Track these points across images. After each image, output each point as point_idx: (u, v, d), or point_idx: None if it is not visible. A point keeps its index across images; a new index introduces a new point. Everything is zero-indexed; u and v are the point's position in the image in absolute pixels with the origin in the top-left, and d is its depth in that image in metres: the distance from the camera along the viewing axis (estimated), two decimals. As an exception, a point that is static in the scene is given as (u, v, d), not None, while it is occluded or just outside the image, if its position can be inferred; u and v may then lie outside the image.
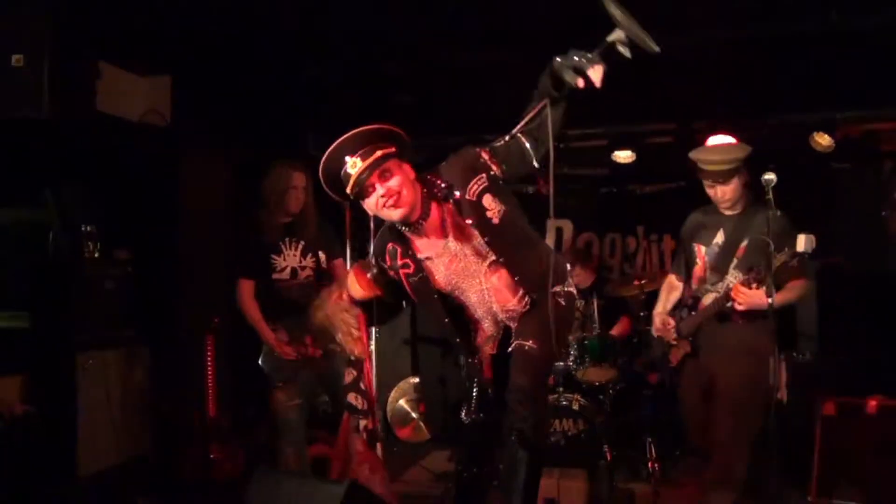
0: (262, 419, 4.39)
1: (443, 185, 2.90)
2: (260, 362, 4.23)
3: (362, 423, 3.97)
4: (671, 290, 4.08)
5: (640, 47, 2.80)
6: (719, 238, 3.74)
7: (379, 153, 2.82)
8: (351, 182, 2.83)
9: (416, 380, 6.03)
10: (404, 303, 3.40)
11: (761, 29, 4.47)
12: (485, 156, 2.91)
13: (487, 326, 3.13)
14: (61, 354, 4.24)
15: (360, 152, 2.81)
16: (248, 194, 5.58)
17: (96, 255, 4.52)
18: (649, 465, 4.65)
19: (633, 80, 5.13)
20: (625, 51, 2.78)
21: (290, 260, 4.19)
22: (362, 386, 3.92)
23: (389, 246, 3.05)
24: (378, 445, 4.04)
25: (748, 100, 5.22)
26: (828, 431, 4.29)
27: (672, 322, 3.86)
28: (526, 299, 3.02)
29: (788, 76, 4.91)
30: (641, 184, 6.25)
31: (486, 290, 3.02)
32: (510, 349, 3.04)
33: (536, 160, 2.88)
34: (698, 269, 3.79)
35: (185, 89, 5.10)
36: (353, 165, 2.81)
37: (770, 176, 3.33)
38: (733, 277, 3.64)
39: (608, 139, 5.76)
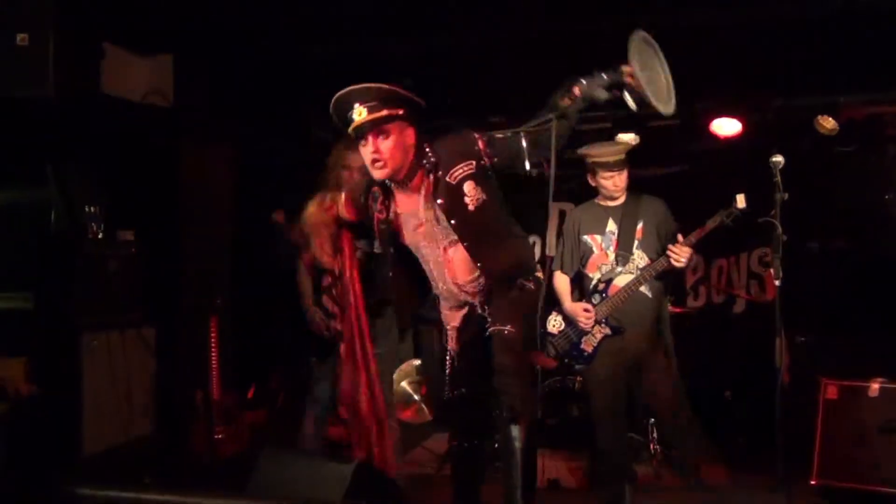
0: (283, 390, 4.42)
1: (432, 159, 3.06)
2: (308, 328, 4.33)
3: (333, 325, 4.05)
4: (564, 284, 4.20)
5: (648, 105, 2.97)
6: (611, 226, 3.96)
7: (384, 112, 2.96)
8: (351, 126, 3.00)
9: (418, 362, 6.05)
10: None
11: (766, 11, 4.45)
12: (480, 144, 3.07)
13: (443, 295, 3.25)
14: (65, 335, 4.24)
15: (368, 104, 2.95)
16: (250, 174, 5.60)
17: (100, 235, 4.51)
18: (651, 446, 4.68)
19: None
20: (630, 102, 2.90)
21: None
22: (334, 292, 3.94)
23: (374, 189, 3.20)
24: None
25: (752, 82, 5.21)
26: (830, 414, 4.31)
27: (592, 309, 3.91)
28: (480, 280, 3.13)
29: (793, 59, 4.90)
30: (645, 167, 6.24)
31: (442, 261, 3.14)
32: (488, 333, 3.14)
33: (529, 163, 3.03)
34: (596, 258, 3.97)
35: (187, 70, 5.08)
36: (359, 114, 2.96)
37: (778, 158, 3.37)
38: (639, 257, 3.91)
39: (611, 122, 5.74)
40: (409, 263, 3.27)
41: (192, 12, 4.47)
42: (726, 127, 5.31)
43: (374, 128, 2.97)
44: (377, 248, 3.36)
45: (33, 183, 4.52)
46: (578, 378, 4.86)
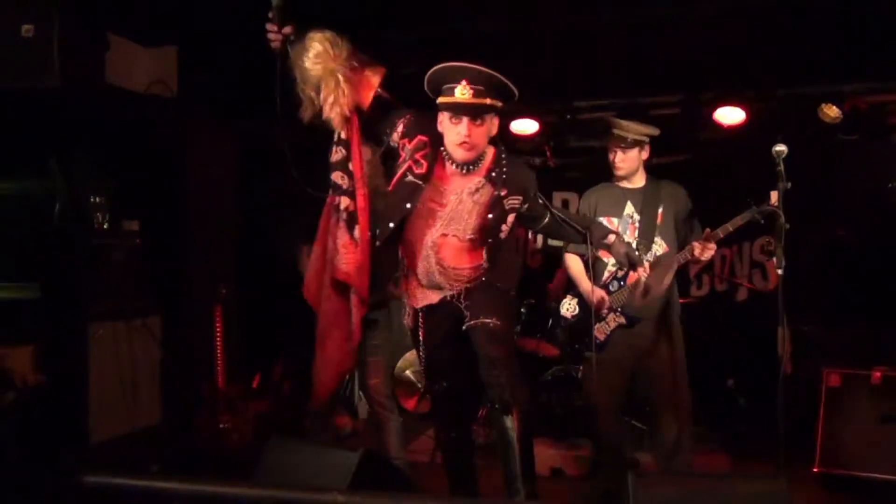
0: (288, 379, 4.43)
1: (503, 166, 3.11)
2: None
3: (344, 202, 3.74)
4: (577, 265, 4.10)
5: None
6: (629, 210, 3.89)
7: (488, 101, 2.96)
8: (450, 100, 2.96)
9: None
10: None
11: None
12: (532, 192, 3.20)
13: (419, 273, 3.20)
14: (72, 325, 4.27)
15: (476, 87, 2.92)
16: (254, 164, 5.61)
17: (105, 226, 4.54)
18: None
19: (640, 52, 5.14)
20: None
21: None
22: (350, 167, 3.67)
23: (424, 138, 3.09)
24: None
25: (756, 71, 5.20)
26: (832, 403, 4.33)
27: (606, 295, 3.88)
28: (481, 270, 3.16)
29: (796, 47, 4.89)
30: (648, 156, 6.23)
31: (438, 242, 3.12)
32: (466, 326, 3.13)
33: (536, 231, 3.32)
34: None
35: (190, 60, 5.09)
36: (462, 92, 2.93)
37: (781, 147, 3.36)
38: (659, 246, 3.85)
39: (614, 110, 5.73)
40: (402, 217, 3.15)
41: (196, 3, 4.48)
42: (730, 116, 5.29)
43: (474, 112, 2.95)
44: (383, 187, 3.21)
45: (38, 174, 4.53)
46: (581, 367, 4.87)
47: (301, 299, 4.41)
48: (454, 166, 3.11)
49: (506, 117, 3.31)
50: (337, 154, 3.35)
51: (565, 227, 3.32)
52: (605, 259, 3.89)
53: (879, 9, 4.39)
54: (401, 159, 3.13)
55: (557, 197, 6.17)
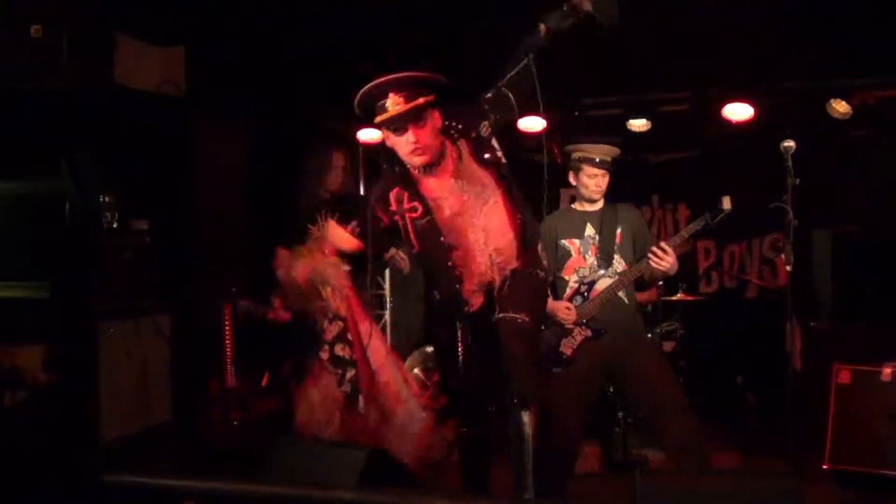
0: (297, 377, 4.44)
1: (459, 125, 3.04)
2: None
3: (349, 373, 4.00)
4: None
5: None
6: (589, 231, 3.95)
7: (421, 100, 2.93)
8: (385, 116, 2.93)
9: (431, 349, 6.07)
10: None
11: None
12: (485, 105, 3.07)
13: (473, 273, 3.15)
14: (82, 323, 4.28)
15: (404, 93, 2.90)
16: (262, 163, 5.62)
17: (114, 225, 4.55)
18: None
19: (647, 48, 5.13)
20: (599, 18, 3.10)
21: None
22: (349, 337, 3.94)
23: (395, 191, 3.12)
24: (360, 398, 4.06)
25: (764, 67, 5.18)
26: (842, 399, 4.32)
27: (573, 307, 3.91)
28: (514, 244, 3.12)
29: (805, 42, 4.87)
30: (656, 152, 6.23)
31: (481, 229, 3.10)
32: (495, 318, 3.10)
33: (518, 108, 3.10)
34: (573, 261, 3.96)
35: (199, 59, 5.10)
36: (395, 104, 2.90)
37: (789, 143, 3.36)
38: (618, 262, 3.91)
39: (623, 108, 5.73)
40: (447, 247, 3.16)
41: (204, 2, 4.49)
42: (738, 112, 5.28)
43: (413, 117, 2.93)
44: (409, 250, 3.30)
45: (48, 174, 4.55)
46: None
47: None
48: (424, 172, 3.08)
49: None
50: (335, 328, 3.82)
51: (516, 82, 3.11)
52: (566, 277, 3.95)
53: (888, 3, 4.37)
54: (401, 221, 3.15)
55: (565, 194, 6.16)
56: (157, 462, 4.31)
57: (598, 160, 3.91)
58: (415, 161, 3.02)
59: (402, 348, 6.04)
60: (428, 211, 3.09)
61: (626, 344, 3.87)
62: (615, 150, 3.98)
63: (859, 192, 5.58)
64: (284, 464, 2.99)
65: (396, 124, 2.94)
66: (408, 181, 3.11)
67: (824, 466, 4.24)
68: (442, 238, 3.11)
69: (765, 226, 5.84)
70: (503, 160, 3.11)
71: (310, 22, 4.86)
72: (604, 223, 3.95)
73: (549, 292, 3.88)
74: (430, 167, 3.06)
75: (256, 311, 4.27)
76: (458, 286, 3.15)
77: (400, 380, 4.19)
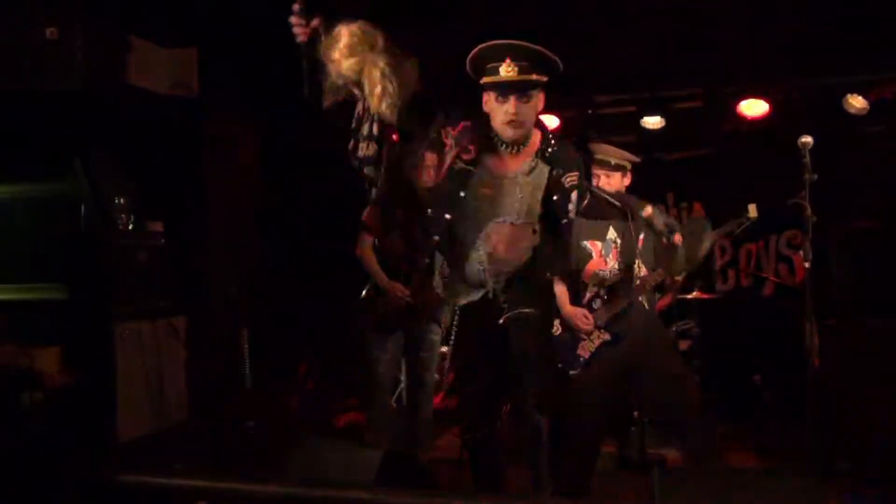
0: (313, 377, 4.44)
1: (552, 145, 3.07)
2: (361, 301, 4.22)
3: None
4: (562, 288, 4.04)
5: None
6: (612, 234, 3.93)
7: (534, 76, 2.93)
8: (492, 79, 2.94)
9: (445, 349, 6.06)
10: None
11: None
12: (583, 169, 3.19)
13: (468, 269, 3.14)
14: (98, 325, 4.30)
15: (520, 63, 2.90)
16: (275, 163, 5.63)
17: (129, 227, 4.57)
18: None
19: (661, 45, 5.10)
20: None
21: None
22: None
23: (468, 123, 3.07)
24: None
25: (780, 62, 5.14)
26: (861, 398, 4.27)
27: (591, 315, 3.89)
28: (528, 257, 3.11)
29: (821, 37, 4.83)
30: (671, 150, 6.19)
31: (496, 229, 3.07)
32: (504, 318, 3.08)
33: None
34: (594, 264, 3.94)
35: (211, 61, 5.12)
36: (507, 70, 2.91)
37: (806, 139, 3.33)
38: (639, 267, 3.91)
39: (636, 105, 5.70)
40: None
41: (216, 4, 4.50)
42: (753, 108, 5.25)
43: (520, 88, 2.93)
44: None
45: (63, 176, 4.57)
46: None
47: (326, 297, 4.44)
48: (504, 147, 3.06)
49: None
50: (369, 149, 3.23)
51: (605, 204, 3.26)
52: (586, 280, 3.93)
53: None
54: (447, 147, 3.10)
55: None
56: (172, 462, 4.32)
57: (605, 161, 3.92)
58: (507, 132, 3.00)
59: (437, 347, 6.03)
60: (476, 162, 3.05)
61: (644, 348, 3.85)
62: (631, 156, 3.98)
63: (877, 188, 5.53)
64: (300, 464, 2.99)
65: (503, 90, 2.93)
66: (483, 131, 3.06)
67: (844, 466, 4.20)
68: (462, 194, 3.06)
69: (781, 223, 5.79)
70: (571, 215, 3.14)
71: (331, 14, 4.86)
72: (626, 227, 3.92)
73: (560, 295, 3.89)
74: (514, 146, 3.05)
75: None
76: (483, 261, 3.10)
77: None
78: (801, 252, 3.44)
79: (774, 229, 5.90)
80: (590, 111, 5.61)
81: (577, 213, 3.19)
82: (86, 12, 3.54)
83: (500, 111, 2.98)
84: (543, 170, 3.08)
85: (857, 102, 5.11)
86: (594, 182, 3.97)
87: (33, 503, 2.68)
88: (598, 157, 3.96)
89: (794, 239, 5.72)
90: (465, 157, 3.05)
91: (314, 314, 4.95)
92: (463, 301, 3.23)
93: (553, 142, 3.11)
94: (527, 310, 3.06)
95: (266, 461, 4.27)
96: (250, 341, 4.70)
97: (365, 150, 3.01)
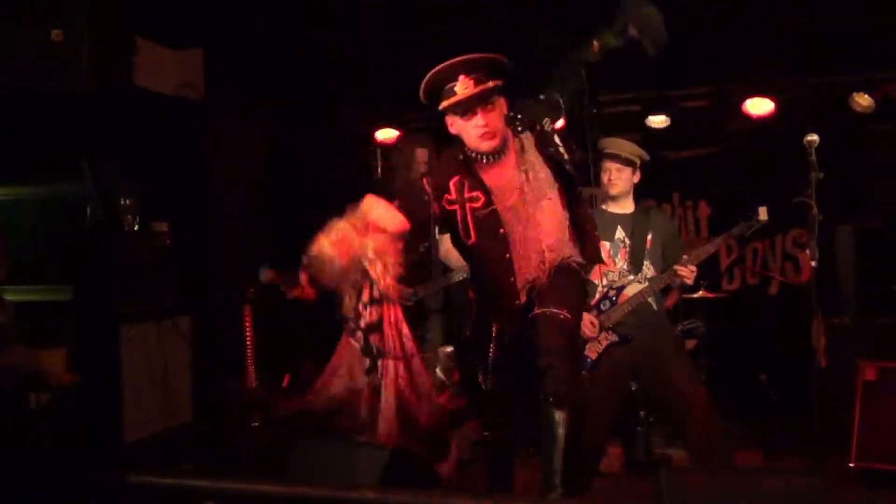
0: (318, 376, 4.43)
1: (524, 118, 2.95)
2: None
3: (380, 363, 3.87)
4: None
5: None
6: (620, 234, 3.93)
7: (491, 84, 2.92)
8: (454, 100, 2.92)
9: (451, 348, 6.05)
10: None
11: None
12: (533, 108, 3.02)
13: (531, 265, 3.09)
14: (104, 326, 4.32)
15: (475, 76, 2.90)
16: (281, 164, 5.64)
17: (135, 228, 4.59)
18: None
19: (666, 44, 5.08)
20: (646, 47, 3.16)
21: None
22: (385, 326, 3.79)
23: (456, 179, 3.05)
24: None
25: (785, 60, 5.13)
26: (868, 396, 4.25)
27: (596, 319, 3.87)
28: (566, 238, 3.08)
29: (826, 36, 4.82)
30: (676, 149, 6.17)
31: (532, 223, 3.05)
32: (532, 315, 3.03)
33: (566, 113, 3.12)
34: (602, 265, 3.88)
35: (218, 62, 5.13)
36: (465, 87, 2.90)
37: (813, 137, 3.33)
38: (647, 268, 3.90)
39: (641, 104, 5.68)
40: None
41: (222, 5, 4.51)
42: (759, 107, 5.23)
43: (482, 101, 2.92)
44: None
45: (69, 178, 4.60)
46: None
47: (332, 297, 4.43)
48: (487, 160, 3.04)
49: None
50: (373, 314, 3.64)
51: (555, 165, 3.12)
52: (594, 280, 3.92)
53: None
54: (459, 211, 3.07)
55: (586, 193, 6.13)
56: (179, 462, 4.33)
57: (613, 154, 3.90)
58: (483, 146, 2.99)
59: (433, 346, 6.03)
60: (490, 201, 3.03)
61: (652, 348, 3.85)
62: (640, 153, 3.95)
63: (883, 187, 5.51)
64: (306, 464, 2.99)
65: (466, 107, 2.92)
66: (470, 169, 3.05)
67: (850, 465, 4.18)
68: (501, 230, 3.05)
69: (787, 221, 5.77)
70: (566, 156, 3.07)
71: (329, 24, 4.87)
72: (635, 227, 3.92)
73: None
74: (496, 155, 3.03)
75: (282, 284, 4.09)
76: (512, 279, 3.08)
77: (428, 373, 4.16)
78: (808, 251, 3.42)
79: (780, 228, 5.89)
80: (594, 111, 5.59)
81: (575, 164, 3.12)
82: (91, 14, 3.54)
83: (469, 128, 2.97)
84: (536, 156, 3.05)
85: (863, 101, 5.09)
86: (604, 178, 3.93)
87: None
88: (610, 150, 3.93)
89: (801, 238, 5.70)
90: (477, 205, 3.04)
91: (320, 313, 4.93)
92: (517, 302, 3.15)
93: (519, 125, 2.96)
94: (557, 310, 2.98)
95: (272, 461, 4.28)
96: (255, 341, 4.70)
97: (367, 317, 3.39)
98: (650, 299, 3.89)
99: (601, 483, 4.41)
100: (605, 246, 3.91)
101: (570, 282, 3.08)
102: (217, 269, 5.11)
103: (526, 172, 3.04)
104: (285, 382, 5.22)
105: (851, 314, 5.06)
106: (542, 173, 3.05)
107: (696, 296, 5.25)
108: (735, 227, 3.87)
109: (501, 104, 2.99)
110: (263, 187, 5.55)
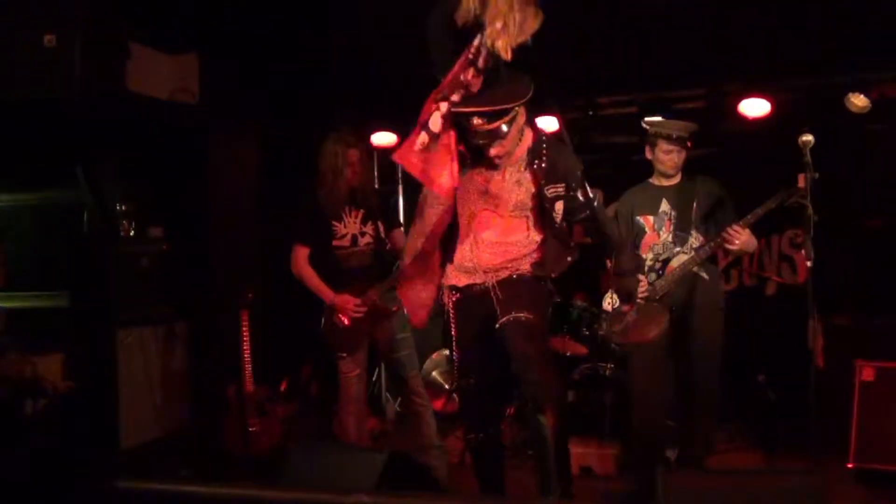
0: (315, 382, 4.43)
1: (542, 154, 3.10)
2: (322, 329, 4.21)
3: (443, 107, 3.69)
4: None
5: None
6: (665, 206, 3.95)
7: (506, 119, 2.95)
8: (473, 132, 2.97)
9: (446, 352, 6.05)
10: None
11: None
12: (573, 183, 3.16)
13: (462, 251, 3.19)
14: (101, 332, 4.32)
15: (486, 117, 2.93)
16: (277, 168, 5.63)
17: (131, 233, 4.59)
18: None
19: (662, 45, 5.09)
20: None
21: (351, 227, 4.16)
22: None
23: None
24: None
25: (781, 61, 5.13)
26: (866, 396, 4.26)
27: (645, 281, 3.91)
28: (519, 251, 3.14)
29: (822, 36, 4.81)
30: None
31: (486, 219, 3.13)
32: (500, 323, 3.08)
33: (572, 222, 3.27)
34: (648, 238, 3.97)
35: (212, 67, 5.12)
36: (479, 125, 2.94)
37: (808, 137, 3.33)
38: (695, 238, 3.89)
39: (638, 106, 5.68)
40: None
41: (216, 10, 4.51)
42: (755, 108, 5.23)
43: (497, 135, 2.99)
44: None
45: (65, 184, 4.59)
46: (609, 365, 4.84)
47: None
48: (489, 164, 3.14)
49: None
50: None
51: (602, 232, 3.26)
52: (644, 255, 3.94)
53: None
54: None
55: (597, 195, 6.12)
56: (176, 468, 4.32)
57: (674, 136, 3.91)
58: (498, 159, 3.07)
59: (420, 351, 6.02)
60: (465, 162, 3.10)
61: (697, 324, 3.85)
62: (692, 126, 3.97)
63: (879, 187, 5.51)
64: (303, 468, 2.98)
65: (483, 139, 3.00)
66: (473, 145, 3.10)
67: (849, 465, 4.18)
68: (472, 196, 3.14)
69: (783, 222, 5.77)
70: (556, 220, 3.16)
71: (323, 27, 4.87)
72: (680, 198, 3.93)
73: (554, 298, 3.86)
74: (508, 156, 3.10)
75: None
76: (472, 249, 3.16)
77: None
78: (804, 251, 3.42)
79: (776, 229, 5.88)
80: (590, 112, 5.59)
81: (569, 222, 3.19)
82: (85, 19, 3.54)
83: (485, 148, 3.04)
84: (529, 177, 3.13)
85: (858, 101, 5.07)
86: (659, 156, 3.94)
87: (37, 510, 2.69)
88: (658, 129, 3.96)
89: (797, 238, 5.70)
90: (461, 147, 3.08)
91: (316, 318, 4.93)
92: (450, 282, 3.24)
93: (545, 149, 3.12)
94: (521, 314, 3.05)
95: (269, 466, 4.28)
96: (252, 346, 4.70)
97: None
98: (702, 272, 3.87)
99: (596, 485, 4.41)
100: (650, 220, 3.96)
101: (531, 289, 3.15)
102: (214, 273, 5.10)
103: (517, 183, 3.12)
104: (283, 387, 5.22)
105: (849, 314, 5.06)
106: (524, 192, 3.13)
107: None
108: (775, 196, 3.79)
109: (519, 118, 3.02)
110: (259, 191, 5.54)
